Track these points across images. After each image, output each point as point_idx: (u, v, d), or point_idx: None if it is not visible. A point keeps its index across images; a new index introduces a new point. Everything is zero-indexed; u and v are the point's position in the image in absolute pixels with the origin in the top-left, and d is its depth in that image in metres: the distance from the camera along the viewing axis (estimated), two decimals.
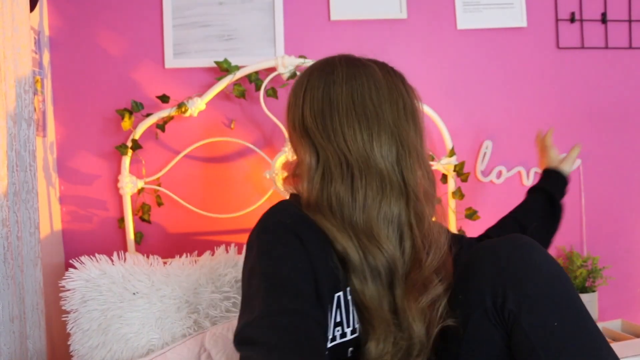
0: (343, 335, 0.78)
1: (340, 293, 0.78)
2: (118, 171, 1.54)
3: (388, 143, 0.81)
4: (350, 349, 0.80)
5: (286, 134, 1.51)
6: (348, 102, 0.82)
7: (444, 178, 1.63)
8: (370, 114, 0.82)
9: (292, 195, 0.90)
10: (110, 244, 1.57)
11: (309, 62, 1.50)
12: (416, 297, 0.80)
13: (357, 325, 0.80)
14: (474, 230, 1.66)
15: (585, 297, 1.59)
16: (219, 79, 1.51)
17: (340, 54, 0.91)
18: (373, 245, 0.78)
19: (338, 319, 0.78)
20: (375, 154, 0.80)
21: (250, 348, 0.67)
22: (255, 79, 1.52)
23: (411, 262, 0.82)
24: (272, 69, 1.51)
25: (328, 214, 0.79)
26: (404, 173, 0.81)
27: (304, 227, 0.77)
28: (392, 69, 0.89)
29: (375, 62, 0.90)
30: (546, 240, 1.22)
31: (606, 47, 1.75)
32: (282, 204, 0.83)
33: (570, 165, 1.29)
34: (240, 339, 0.69)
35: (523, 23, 1.71)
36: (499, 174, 1.72)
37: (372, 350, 0.77)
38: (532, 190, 1.28)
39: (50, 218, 1.50)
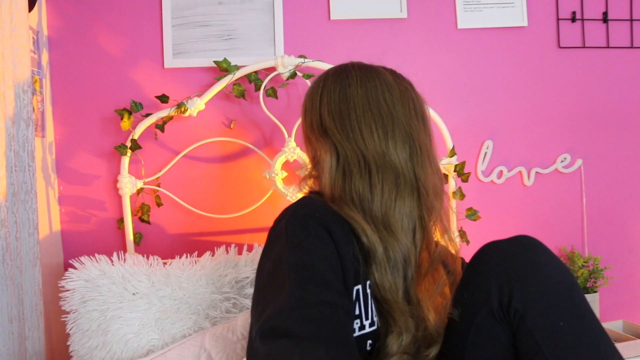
0: (362, 327, 0.80)
1: (360, 286, 0.80)
2: (117, 171, 1.53)
3: (402, 141, 0.86)
4: (369, 341, 0.81)
5: (286, 134, 1.51)
6: (364, 103, 0.87)
7: (445, 178, 1.63)
8: (384, 113, 0.87)
9: (310, 192, 0.93)
10: (109, 244, 1.57)
11: (308, 62, 1.49)
12: (427, 287, 0.84)
13: (375, 319, 0.82)
14: (474, 230, 1.66)
15: (591, 297, 1.59)
16: (218, 79, 1.51)
17: (351, 62, 0.96)
18: (391, 237, 0.82)
19: (357, 312, 0.79)
20: (390, 151, 0.85)
21: (284, 341, 0.67)
22: (254, 78, 1.52)
23: (421, 253, 0.86)
24: (272, 69, 1.51)
25: (352, 208, 0.83)
26: (416, 170, 0.86)
27: (332, 220, 0.79)
28: (401, 75, 0.95)
29: (385, 68, 0.95)
30: None
31: (607, 47, 1.75)
32: (308, 198, 0.85)
33: None
34: (269, 329, 0.69)
35: (524, 22, 1.71)
36: (500, 174, 1.71)
37: (392, 344, 0.79)
38: None
39: (49, 218, 1.50)
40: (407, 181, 0.85)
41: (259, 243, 1.49)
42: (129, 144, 1.50)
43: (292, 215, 0.80)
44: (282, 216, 0.81)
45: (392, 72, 0.93)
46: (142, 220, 1.56)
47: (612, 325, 1.61)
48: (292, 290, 0.71)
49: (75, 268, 1.25)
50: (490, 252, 0.80)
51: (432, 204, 0.87)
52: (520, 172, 1.72)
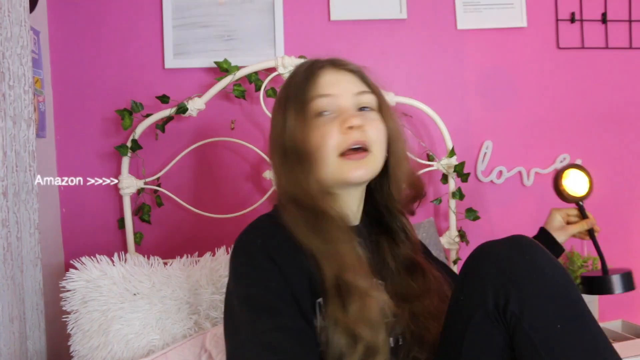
0: None
1: (321, 299, 0.80)
2: (118, 171, 1.53)
3: (280, 157, 0.87)
4: None
5: None
6: (275, 138, 0.89)
7: (444, 178, 1.63)
8: (277, 142, 0.88)
9: (275, 205, 0.93)
10: (110, 244, 1.57)
11: None
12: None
13: None
14: (474, 230, 1.66)
15: (585, 298, 1.56)
16: (218, 79, 1.51)
17: (288, 79, 0.96)
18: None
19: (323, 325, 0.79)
20: (284, 181, 0.86)
21: None
22: (255, 79, 1.52)
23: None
24: (272, 69, 1.51)
25: (292, 209, 0.83)
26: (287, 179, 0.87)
27: (275, 244, 0.79)
28: (294, 70, 0.94)
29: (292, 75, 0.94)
30: None
31: (606, 47, 1.75)
32: (256, 221, 0.86)
33: (565, 236, 1.14)
34: None
35: (523, 23, 1.71)
36: (499, 174, 1.71)
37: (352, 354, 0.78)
38: None
39: (50, 219, 1.50)
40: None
41: None
42: (129, 144, 1.50)
43: (236, 246, 0.82)
44: (232, 246, 0.83)
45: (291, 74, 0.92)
46: (143, 220, 1.56)
47: (611, 325, 1.61)
48: (244, 321, 0.75)
49: (76, 268, 1.25)
50: (485, 253, 0.79)
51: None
52: (519, 172, 1.73)
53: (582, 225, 1.13)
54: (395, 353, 0.83)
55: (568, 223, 1.14)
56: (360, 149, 0.84)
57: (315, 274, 0.79)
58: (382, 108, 0.89)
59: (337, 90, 0.86)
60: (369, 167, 0.85)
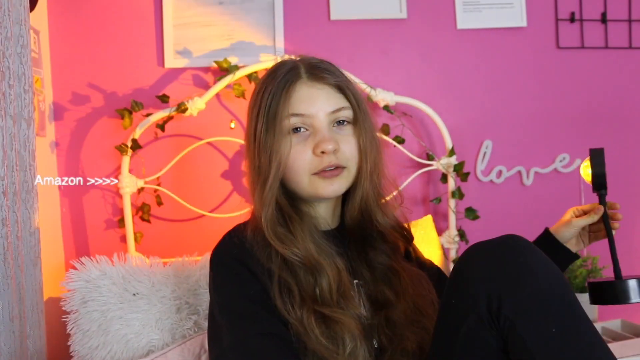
0: None
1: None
2: (118, 171, 1.53)
3: (266, 162, 0.88)
4: None
5: None
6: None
7: (444, 178, 1.63)
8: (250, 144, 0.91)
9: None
10: (110, 244, 1.57)
11: None
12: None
13: None
14: (473, 229, 1.66)
15: (585, 297, 1.58)
16: (218, 79, 1.51)
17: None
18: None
19: None
20: (257, 192, 0.87)
21: None
22: (255, 78, 1.52)
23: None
24: None
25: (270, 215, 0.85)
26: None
27: (250, 254, 0.83)
28: (262, 76, 0.93)
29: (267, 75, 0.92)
30: None
31: (606, 47, 1.75)
32: (232, 231, 0.88)
33: (571, 231, 1.03)
34: None
35: (523, 23, 1.72)
36: (499, 174, 1.72)
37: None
38: None
39: (50, 218, 1.50)
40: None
41: None
42: (129, 143, 1.50)
43: (213, 257, 0.86)
44: (210, 256, 0.87)
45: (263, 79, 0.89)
46: (143, 220, 1.56)
47: (610, 324, 1.61)
48: (226, 329, 0.78)
49: (75, 268, 1.25)
50: (476, 254, 0.76)
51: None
52: (519, 171, 1.73)
53: (591, 216, 1.00)
54: (377, 357, 0.82)
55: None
56: (335, 168, 0.84)
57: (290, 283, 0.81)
58: (359, 121, 0.86)
59: (311, 110, 0.83)
60: (342, 182, 0.85)
